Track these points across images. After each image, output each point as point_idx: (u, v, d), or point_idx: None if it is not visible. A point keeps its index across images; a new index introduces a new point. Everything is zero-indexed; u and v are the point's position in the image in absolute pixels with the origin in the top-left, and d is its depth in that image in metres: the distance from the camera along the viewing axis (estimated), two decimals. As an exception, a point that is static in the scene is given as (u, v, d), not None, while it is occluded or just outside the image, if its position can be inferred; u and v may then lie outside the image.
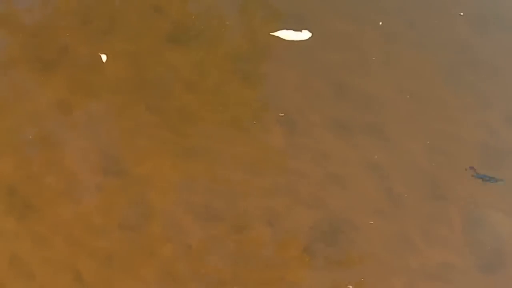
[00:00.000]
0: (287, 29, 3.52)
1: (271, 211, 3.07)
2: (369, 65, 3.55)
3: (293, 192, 3.13)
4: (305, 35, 3.50)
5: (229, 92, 3.43)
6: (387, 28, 3.61)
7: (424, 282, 2.94)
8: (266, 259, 2.94)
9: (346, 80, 3.51)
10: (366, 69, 3.53)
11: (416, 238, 3.04)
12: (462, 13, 3.57)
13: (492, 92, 3.52)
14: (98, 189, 3.10)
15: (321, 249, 2.98)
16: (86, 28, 3.63)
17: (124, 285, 2.90)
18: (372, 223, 3.07)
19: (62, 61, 3.52)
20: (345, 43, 3.60)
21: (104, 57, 3.40)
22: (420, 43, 3.63)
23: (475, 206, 3.15)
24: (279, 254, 2.96)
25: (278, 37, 3.55)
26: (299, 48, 3.57)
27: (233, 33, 3.63)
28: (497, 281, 2.97)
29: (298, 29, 3.54)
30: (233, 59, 3.57)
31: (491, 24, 3.68)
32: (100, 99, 3.38)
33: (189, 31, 3.63)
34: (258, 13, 3.70)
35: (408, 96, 3.43)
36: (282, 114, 3.21)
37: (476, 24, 3.68)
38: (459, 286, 2.94)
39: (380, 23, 3.58)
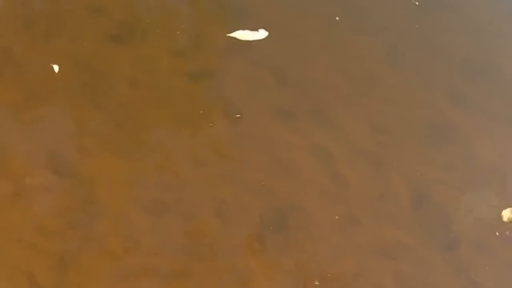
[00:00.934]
0: (243, 29, 3.53)
1: (219, 201, 3.09)
2: (309, 51, 3.58)
3: (240, 181, 3.15)
4: (261, 34, 3.50)
5: (173, 86, 3.45)
6: (326, 14, 3.64)
7: (375, 260, 2.97)
8: (216, 250, 2.96)
9: (287, 67, 3.54)
10: (307, 55, 3.56)
11: (364, 218, 3.08)
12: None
13: (434, 71, 3.58)
14: (47, 190, 3.10)
15: (271, 235, 3.01)
16: (30, 31, 3.62)
17: (77, 285, 2.89)
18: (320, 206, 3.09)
19: (6, 65, 3.50)
20: (286, 31, 3.63)
21: (56, 68, 3.40)
22: (359, 27, 3.67)
23: (421, 182, 3.19)
24: (229, 243, 2.98)
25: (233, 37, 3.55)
26: (236, 40, 3.59)
27: (177, 30, 3.64)
28: (446, 256, 3.01)
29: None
30: (177, 55, 3.59)
31: (430, 5, 3.73)
32: (46, 101, 3.38)
33: (133, 30, 3.64)
34: (208, 10, 3.72)
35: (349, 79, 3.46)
36: (239, 115, 3.22)
37: (415, 6, 3.73)
38: (410, 263, 2.97)
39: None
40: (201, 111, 3.37)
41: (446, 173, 3.22)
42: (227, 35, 3.52)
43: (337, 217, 3.10)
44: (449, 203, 3.15)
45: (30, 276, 2.90)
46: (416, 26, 3.74)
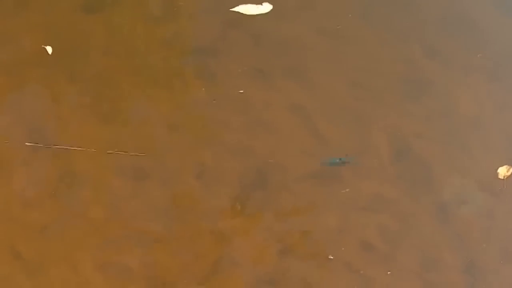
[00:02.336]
0: (245, 3, 3.49)
1: (199, 164, 3.08)
2: (283, 10, 3.55)
3: (219, 143, 3.14)
4: (265, 8, 3.47)
5: (146, 53, 3.42)
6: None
7: (358, 215, 2.97)
8: (198, 212, 2.96)
9: (262, 26, 3.51)
10: (281, 13, 3.54)
11: (345, 173, 3.07)
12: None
13: (410, 26, 3.56)
14: (26, 162, 3.09)
15: (252, 195, 3.00)
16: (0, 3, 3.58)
17: (61, 255, 2.89)
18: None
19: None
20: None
21: (49, 49, 3.36)
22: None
23: (401, 136, 3.18)
24: (210, 205, 2.97)
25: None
26: (210, 2, 3.56)
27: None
28: (430, 208, 3.02)
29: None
30: (149, 22, 3.56)
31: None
32: (21, 74, 3.35)
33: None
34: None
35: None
36: (242, 91, 3.20)
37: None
38: (393, 216, 2.98)
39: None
40: (177, 75, 3.34)
41: (425, 126, 3.21)
42: (230, 10, 3.49)
43: (317, 172, 3.08)
44: (430, 156, 3.15)
45: (12, 249, 2.89)
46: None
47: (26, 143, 3.15)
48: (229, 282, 2.82)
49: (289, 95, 3.28)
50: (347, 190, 2.90)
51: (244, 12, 3.45)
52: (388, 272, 2.87)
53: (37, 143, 3.14)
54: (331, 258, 2.83)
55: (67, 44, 3.46)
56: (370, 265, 2.88)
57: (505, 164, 3.12)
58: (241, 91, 3.15)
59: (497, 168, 3.11)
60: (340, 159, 2.95)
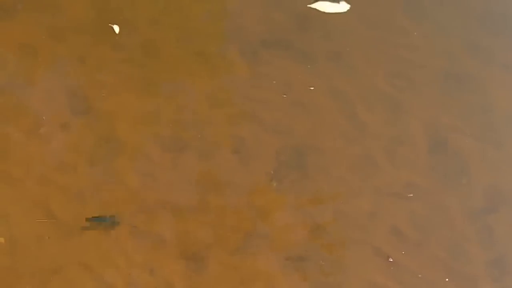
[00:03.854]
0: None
1: (237, 139, 3.10)
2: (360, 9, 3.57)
3: (258, 120, 3.17)
4: (343, 7, 3.48)
5: (192, 26, 3.45)
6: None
7: (390, 201, 2.99)
8: (233, 186, 2.98)
9: (307, 10, 3.53)
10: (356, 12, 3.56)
11: (381, 160, 3.09)
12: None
13: (453, 21, 3.57)
14: (66, 127, 3.12)
15: (288, 174, 3.03)
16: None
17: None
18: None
19: (22, 6, 3.50)
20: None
21: (116, 28, 3.40)
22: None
23: (438, 128, 3.20)
24: (246, 180, 3.00)
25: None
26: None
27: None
28: (461, 200, 3.03)
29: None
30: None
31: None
32: (63, 40, 3.39)
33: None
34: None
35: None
36: (312, 88, 3.22)
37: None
38: (424, 204, 3.00)
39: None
40: (221, 52, 3.36)
41: (462, 120, 3.22)
42: (307, 6, 3.51)
43: (354, 158, 3.10)
44: (464, 150, 3.16)
45: (47, 211, 2.92)
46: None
47: (66, 108, 3.17)
48: (260, 256, 2.85)
49: (329, 79, 3.30)
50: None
51: (321, 9, 3.46)
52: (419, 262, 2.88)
53: (78, 109, 3.17)
54: (391, 261, 2.85)
55: (113, 13, 3.49)
56: (399, 251, 2.89)
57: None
58: (285, 96, 3.18)
59: (530, 167, 3.13)
60: (108, 218, 2.95)
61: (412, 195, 3.01)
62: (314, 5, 3.41)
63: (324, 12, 3.48)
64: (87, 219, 2.88)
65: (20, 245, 2.85)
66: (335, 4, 3.41)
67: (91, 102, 3.18)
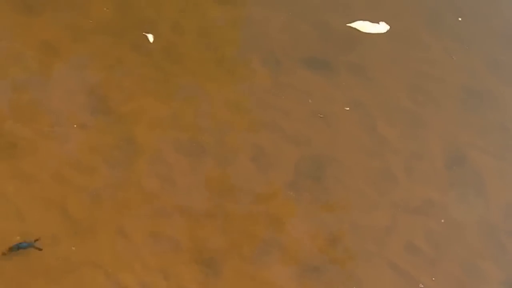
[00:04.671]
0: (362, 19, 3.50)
1: (257, 147, 3.11)
2: (352, 7, 3.58)
3: (278, 129, 3.17)
4: (382, 27, 3.48)
5: (215, 32, 3.45)
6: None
7: (407, 216, 2.99)
8: (251, 194, 2.98)
9: (330, 21, 3.54)
10: (349, 10, 3.56)
11: (400, 175, 3.10)
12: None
13: (475, 37, 3.57)
14: (85, 127, 3.12)
15: (305, 184, 3.03)
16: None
17: (111, 221, 2.92)
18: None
19: (47, 4, 3.51)
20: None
21: (151, 38, 3.40)
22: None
23: (456, 145, 3.20)
24: (264, 189, 3.00)
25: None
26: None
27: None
28: (477, 218, 3.02)
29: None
30: (220, 1, 3.59)
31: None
32: (86, 41, 3.40)
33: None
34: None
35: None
36: (322, 115, 3.22)
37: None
38: (441, 221, 2.99)
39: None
40: (242, 59, 3.37)
41: (481, 137, 3.23)
42: (346, 24, 3.51)
43: (372, 171, 3.10)
44: (483, 167, 3.16)
45: (64, 211, 2.92)
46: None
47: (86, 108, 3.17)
48: (274, 265, 2.85)
49: (350, 90, 3.30)
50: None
51: (361, 29, 3.47)
52: (433, 279, 2.87)
53: (98, 109, 3.17)
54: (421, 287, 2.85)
55: (135, 14, 3.49)
56: (414, 267, 2.89)
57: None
58: (321, 116, 3.18)
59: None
60: (29, 244, 2.94)
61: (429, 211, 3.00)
62: (354, 25, 3.42)
63: (345, 25, 3.48)
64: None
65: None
66: (375, 25, 3.41)
67: (111, 104, 3.18)
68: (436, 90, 3.34)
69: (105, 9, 3.48)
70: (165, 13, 3.49)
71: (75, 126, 3.13)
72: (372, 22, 3.40)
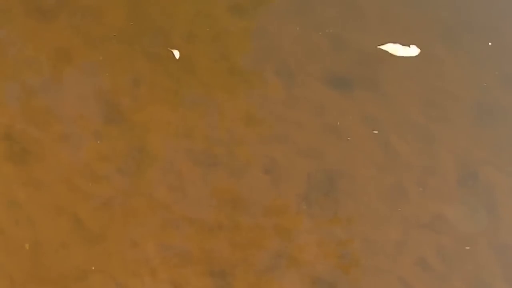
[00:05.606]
0: (393, 42, 3.51)
1: (269, 159, 3.10)
2: (366, 21, 3.58)
3: (291, 142, 3.16)
4: (413, 51, 3.49)
5: (229, 42, 3.45)
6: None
7: (418, 232, 2.98)
8: (262, 206, 2.98)
9: (344, 34, 3.54)
10: (363, 24, 3.56)
11: (412, 191, 3.09)
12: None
13: (488, 53, 3.57)
14: (98, 135, 3.12)
15: (318, 198, 3.02)
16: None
17: (122, 230, 2.92)
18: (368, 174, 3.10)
19: (61, 10, 3.51)
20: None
21: (177, 54, 3.40)
22: (416, 0, 3.66)
23: (469, 161, 3.19)
24: (275, 201, 3.00)
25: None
26: (297, 1, 3.59)
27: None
28: (489, 236, 3.02)
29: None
30: (233, 11, 3.59)
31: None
32: (100, 48, 3.40)
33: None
34: None
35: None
36: (376, 132, 3.23)
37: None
38: (453, 238, 2.99)
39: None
40: (256, 70, 3.37)
41: (494, 154, 3.22)
42: (377, 47, 3.51)
43: (384, 186, 3.10)
44: (495, 184, 3.15)
45: (75, 218, 2.93)
46: (473, 7, 3.73)
47: (99, 116, 3.18)
48: (286, 279, 2.85)
49: (364, 105, 3.30)
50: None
51: (392, 52, 3.47)
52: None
53: (110, 117, 3.17)
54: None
55: (150, 24, 3.50)
56: (424, 283, 2.89)
57: None
58: (349, 138, 3.18)
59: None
60: None
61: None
62: (385, 47, 3.41)
63: (358, 37, 3.48)
64: None
65: (44, 251, 2.85)
66: (406, 48, 3.40)
67: (124, 112, 3.18)
68: (449, 105, 3.34)
69: (121, 18, 3.47)
70: (178, 22, 3.49)
71: (87, 133, 3.11)
72: (403, 45, 3.39)
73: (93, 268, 2.86)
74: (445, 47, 3.53)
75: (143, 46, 3.41)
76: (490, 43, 3.52)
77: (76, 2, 3.54)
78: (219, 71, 3.36)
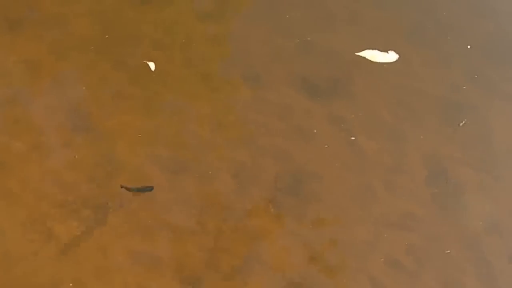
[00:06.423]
0: (371, 48, 3.52)
1: (236, 163, 3.11)
2: (333, 22, 3.59)
3: (258, 145, 3.17)
4: (392, 56, 3.50)
5: (196, 49, 3.46)
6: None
7: (387, 230, 2.99)
8: (231, 209, 2.99)
9: (310, 36, 3.55)
10: (330, 26, 3.57)
11: (380, 189, 3.10)
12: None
13: (455, 50, 3.59)
14: (67, 145, 3.13)
15: (286, 199, 3.03)
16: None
17: (92, 237, 2.92)
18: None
19: (28, 21, 3.52)
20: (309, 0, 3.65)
21: (152, 65, 3.40)
22: (383, 2, 3.68)
23: (437, 158, 3.20)
24: (243, 204, 3.00)
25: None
26: (264, 6, 3.61)
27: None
28: (459, 232, 3.03)
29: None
30: (200, 17, 3.60)
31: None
32: (67, 58, 3.40)
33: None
34: None
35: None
36: (353, 138, 3.23)
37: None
38: (422, 236, 3.00)
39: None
40: (223, 76, 3.38)
41: (462, 151, 3.24)
42: (356, 54, 3.52)
43: (352, 186, 3.11)
44: (463, 181, 3.17)
45: (45, 228, 2.92)
46: (441, 5, 3.75)
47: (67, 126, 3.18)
48: (254, 281, 2.85)
49: (330, 105, 3.31)
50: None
51: (370, 59, 3.48)
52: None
53: (78, 127, 3.17)
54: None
55: (116, 32, 3.51)
56: (396, 282, 2.89)
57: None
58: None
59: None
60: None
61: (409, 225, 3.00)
62: (363, 54, 3.43)
63: (325, 40, 3.49)
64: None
65: (15, 261, 2.84)
66: (384, 54, 3.42)
67: (93, 120, 3.19)
68: (416, 104, 3.35)
69: (88, 26, 3.48)
70: (147, 31, 3.50)
71: (58, 143, 3.11)
72: (381, 51, 3.41)
73: (66, 277, 2.85)
74: (411, 45, 3.55)
75: (113, 56, 3.41)
76: (469, 46, 3.54)
77: (42, 13, 3.54)
78: (188, 77, 3.38)
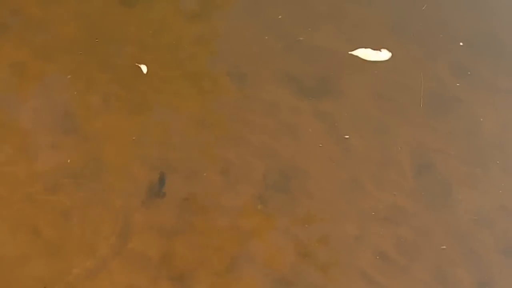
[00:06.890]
0: (364, 47, 3.52)
1: (224, 161, 3.12)
2: (317, 19, 3.60)
3: (245, 142, 3.17)
4: (384, 55, 3.50)
5: (182, 49, 3.46)
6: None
7: (377, 225, 3.00)
8: (219, 208, 2.99)
9: (295, 33, 3.56)
10: (314, 23, 3.58)
11: (367, 183, 3.11)
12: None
13: (439, 44, 3.60)
14: (54, 146, 3.12)
15: (274, 196, 3.03)
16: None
17: (80, 238, 2.92)
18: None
19: (15, 23, 3.51)
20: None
21: (144, 68, 3.40)
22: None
23: (424, 151, 3.21)
24: (232, 202, 3.00)
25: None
26: (249, 4, 3.61)
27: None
28: (446, 224, 3.03)
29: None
30: (186, 18, 3.60)
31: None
32: (53, 60, 3.40)
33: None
34: None
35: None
36: (347, 136, 3.23)
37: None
38: (411, 229, 3.00)
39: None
40: (208, 74, 3.38)
41: (448, 143, 3.25)
42: (349, 53, 3.53)
43: (340, 181, 3.12)
44: (450, 173, 3.18)
45: (34, 229, 2.92)
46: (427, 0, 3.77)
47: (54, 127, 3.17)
48: (245, 279, 2.85)
49: (316, 101, 3.32)
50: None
51: (363, 57, 3.48)
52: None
53: (65, 128, 3.17)
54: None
55: (102, 34, 3.51)
56: (386, 275, 2.90)
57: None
58: (320, 145, 3.18)
59: (516, 190, 3.14)
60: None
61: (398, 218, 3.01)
62: (356, 52, 3.44)
63: (313, 38, 3.50)
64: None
65: (5, 264, 2.83)
66: (377, 52, 3.43)
67: (80, 122, 3.19)
68: (402, 97, 3.36)
69: (73, 28, 3.47)
70: (132, 31, 3.50)
71: (45, 145, 3.11)
72: (374, 49, 3.42)
73: (55, 279, 2.84)
74: (396, 39, 3.56)
75: (98, 58, 3.41)
76: (461, 44, 3.55)
77: (28, 16, 3.53)
78: (174, 77, 3.38)
